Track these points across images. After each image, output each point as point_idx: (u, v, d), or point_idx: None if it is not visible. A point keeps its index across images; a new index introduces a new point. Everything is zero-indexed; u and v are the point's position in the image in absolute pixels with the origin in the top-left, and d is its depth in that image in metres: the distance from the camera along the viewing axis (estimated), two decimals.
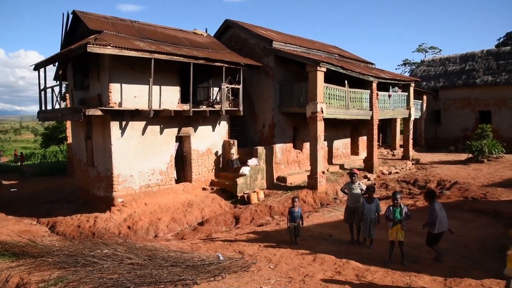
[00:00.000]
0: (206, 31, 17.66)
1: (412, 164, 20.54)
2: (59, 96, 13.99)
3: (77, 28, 13.89)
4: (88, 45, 10.58)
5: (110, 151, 12.36)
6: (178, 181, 14.51)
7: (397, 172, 19.04)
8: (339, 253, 7.89)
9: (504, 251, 8.10)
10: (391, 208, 7.45)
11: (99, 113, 11.77)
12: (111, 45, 11.15)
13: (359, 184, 9.09)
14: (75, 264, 6.03)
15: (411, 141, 21.57)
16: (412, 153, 21.64)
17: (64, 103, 16.95)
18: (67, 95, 16.51)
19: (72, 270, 5.79)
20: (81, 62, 13.17)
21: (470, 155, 20.60)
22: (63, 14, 13.31)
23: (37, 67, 13.78)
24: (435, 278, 6.22)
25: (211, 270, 6.18)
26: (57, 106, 14.12)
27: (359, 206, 8.62)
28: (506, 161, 19.95)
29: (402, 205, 7.41)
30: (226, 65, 14.27)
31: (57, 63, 14.30)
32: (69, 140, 21.44)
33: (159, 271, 5.79)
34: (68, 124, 21.67)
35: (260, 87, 16.64)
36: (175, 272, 5.84)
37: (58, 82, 14.60)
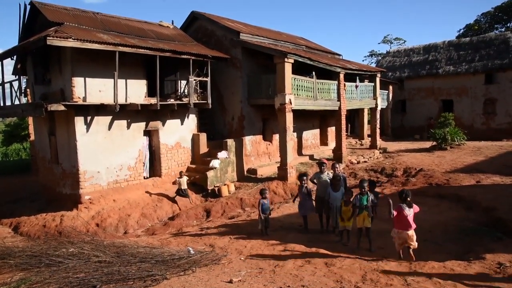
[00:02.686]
0: (172, 23, 17.33)
1: (380, 153, 21.06)
2: (18, 91, 13.41)
3: (36, 20, 13.29)
4: (48, 38, 10.15)
5: (75, 147, 11.99)
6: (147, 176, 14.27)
7: (365, 161, 19.48)
8: (309, 242, 8.01)
9: (465, 233, 8.51)
10: (358, 196, 7.63)
11: (62, 108, 11.36)
12: (73, 37, 10.75)
13: (327, 174, 9.23)
14: (39, 264, 5.85)
15: (378, 131, 22.10)
16: (379, 142, 22.19)
17: (25, 98, 16.26)
18: (28, 90, 15.85)
19: (36, 271, 5.61)
20: (42, 55, 12.63)
21: (434, 143, 21.32)
22: (19, 5, 12.72)
23: None
24: (401, 263, 6.45)
25: (181, 264, 6.15)
26: (17, 102, 13.53)
27: None
28: (467, 148, 20.80)
29: (368, 193, 7.59)
30: (193, 57, 14.08)
31: (15, 57, 13.68)
32: (32, 137, 20.59)
33: (127, 267, 5.71)
34: (30, 120, 20.79)
35: (229, 80, 16.54)
36: (144, 268, 5.77)
37: (17, 77, 13.99)
